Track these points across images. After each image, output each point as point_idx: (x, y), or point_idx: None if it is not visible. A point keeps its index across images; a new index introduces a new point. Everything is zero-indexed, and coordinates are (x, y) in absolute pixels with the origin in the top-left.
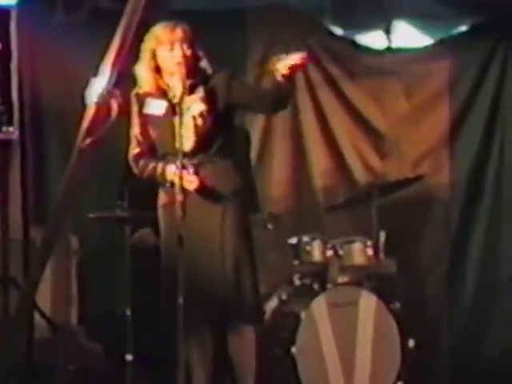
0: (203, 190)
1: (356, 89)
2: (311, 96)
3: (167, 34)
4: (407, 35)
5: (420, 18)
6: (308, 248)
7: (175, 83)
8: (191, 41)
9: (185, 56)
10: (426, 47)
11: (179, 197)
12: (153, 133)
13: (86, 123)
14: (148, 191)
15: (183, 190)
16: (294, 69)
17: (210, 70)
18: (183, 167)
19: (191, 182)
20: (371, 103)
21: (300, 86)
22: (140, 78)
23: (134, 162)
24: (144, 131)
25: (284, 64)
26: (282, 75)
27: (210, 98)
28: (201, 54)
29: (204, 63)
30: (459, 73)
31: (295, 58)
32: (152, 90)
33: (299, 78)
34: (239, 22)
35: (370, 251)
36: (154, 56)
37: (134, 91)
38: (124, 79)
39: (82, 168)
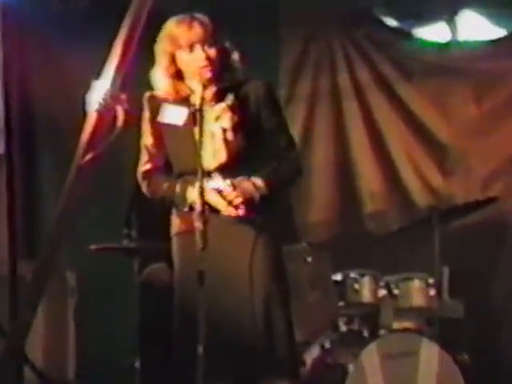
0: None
1: (414, 92)
2: (359, 101)
3: (184, 33)
4: (476, 27)
5: (491, 5)
6: (356, 286)
7: (197, 87)
8: (214, 36)
9: (208, 58)
10: (499, 41)
11: (198, 223)
12: (169, 145)
13: (86, 135)
14: (161, 217)
15: (204, 213)
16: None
17: (241, 69)
18: (217, 186)
19: (235, 203)
20: (432, 109)
21: (346, 88)
22: (158, 85)
23: (144, 179)
24: (158, 143)
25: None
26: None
27: (242, 108)
28: (229, 46)
29: (235, 58)
30: None
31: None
32: (170, 94)
33: (345, 79)
34: (272, 13)
35: (431, 290)
36: (172, 60)
37: (147, 94)
38: (132, 81)
39: (82, 189)
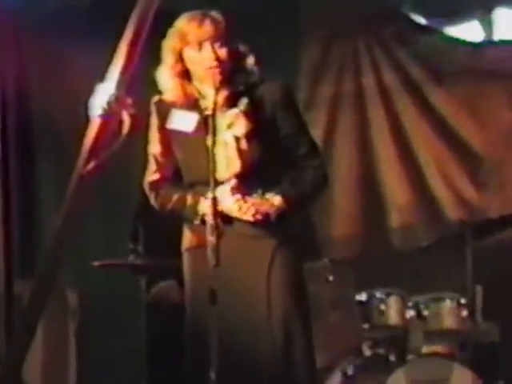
0: (245, 230)
1: (445, 96)
2: (385, 105)
3: (193, 30)
4: None
5: None
6: (382, 307)
7: (209, 91)
8: (226, 36)
9: (218, 58)
10: None
11: (211, 238)
12: (178, 154)
13: (88, 142)
14: (170, 231)
15: (218, 226)
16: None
17: (256, 73)
18: (226, 193)
19: (247, 210)
20: (465, 115)
21: (371, 92)
22: (163, 85)
23: (151, 190)
24: (166, 151)
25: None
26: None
27: (256, 113)
28: (244, 49)
29: (250, 62)
30: None
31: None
32: (179, 98)
33: (370, 82)
34: (291, 11)
35: (463, 312)
36: (179, 58)
37: (155, 98)
38: (139, 84)
39: (84, 200)
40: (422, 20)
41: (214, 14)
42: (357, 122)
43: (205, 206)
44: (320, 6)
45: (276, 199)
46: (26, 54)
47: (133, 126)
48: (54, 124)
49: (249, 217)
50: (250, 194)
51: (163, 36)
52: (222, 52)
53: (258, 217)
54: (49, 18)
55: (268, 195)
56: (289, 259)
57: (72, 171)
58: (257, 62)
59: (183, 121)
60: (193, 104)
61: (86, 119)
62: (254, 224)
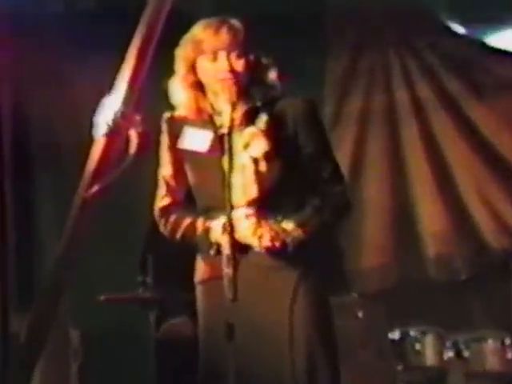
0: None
1: (485, 112)
2: (420, 122)
3: (209, 38)
4: None
5: None
6: (417, 346)
7: (224, 107)
8: (244, 46)
9: (233, 69)
10: None
11: (227, 269)
12: (191, 176)
13: (92, 162)
14: (182, 261)
15: (234, 257)
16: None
17: (278, 88)
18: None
19: (262, 236)
20: (508, 133)
21: (404, 107)
22: (175, 98)
23: (161, 216)
24: (178, 173)
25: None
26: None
27: (276, 132)
28: (265, 62)
29: (271, 76)
30: None
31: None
32: (192, 113)
33: (403, 96)
34: (316, 18)
35: (508, 352)
36: (192, 68)
37: (166, 115)
38: (148, 99)
39: (87, 226)
40: (459, 28)
41: (234, 21)
42: (388, 141)
43: (217, 234)
44: (348, 13)
45: (293, 227)
46: (23, 64)
47: (141, 146)
48: (54, 141)
49: (265, 244)
50: (267, 221)
51: (177, 44)
52: (239, 63)
53: (276, 245)
54: (49, 24)
55: (285, 223)
56: (313, 292)
57: (74, 194)
58: (279, 76)
59: (196, 140)
60: (207, 121)
61: (90, 137)
62: (274, 254)
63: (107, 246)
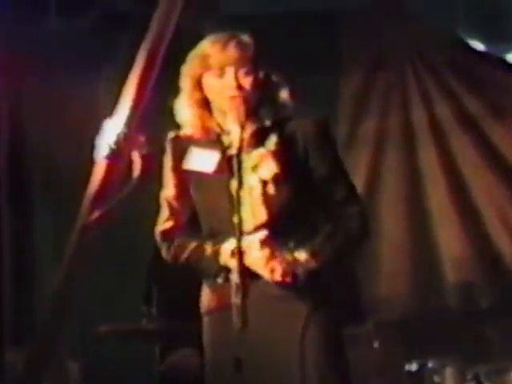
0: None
1: (506, 133)
2: (438, 143)
3: (216, 53)
4: None
5: None
6: (436, 378)
7: (232, 126)
8: (253, 62)
9: (240, 87)
10: None
11: (236, 298)
12: (197, 199)
13: (93, 187)
14: (188, 290)
15: (243, 285)
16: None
17: (289, 107)
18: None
19: (274, 270)
20: None
21: (422, 128)
22: (180, 116)
23: (163, 240)
24: (182, 195)
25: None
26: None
27: (287, 153)
28: (276, 80)
29: (282, 96)
30: None
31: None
32: (198, 133)
33: (420, 116)
34: (330, 34)
35: None
36: (198, 84)
37: (170, 135)
38: (152, 119)
39: (87, 254)
40: (479, 46)
41: (243, 37)
42: (404, 164)
43: (226, 258)
44: (363, 28)
45: (306, 258)
46: (20, 83)
47: (145, 169)
48: (52, 164)
49: (276, 278)
50: (279, 249)
51: (183, 61)
52: (247, 80)
53: (287, 279)
54: (47, 41)
55: (297, 253)
56: (325, 322)
57: (74, 219)
58: (291, 95)
59: (203, 160)
60: (214, 140)
61: (91, 160)
62: (284, 284)
63: (108, 274)
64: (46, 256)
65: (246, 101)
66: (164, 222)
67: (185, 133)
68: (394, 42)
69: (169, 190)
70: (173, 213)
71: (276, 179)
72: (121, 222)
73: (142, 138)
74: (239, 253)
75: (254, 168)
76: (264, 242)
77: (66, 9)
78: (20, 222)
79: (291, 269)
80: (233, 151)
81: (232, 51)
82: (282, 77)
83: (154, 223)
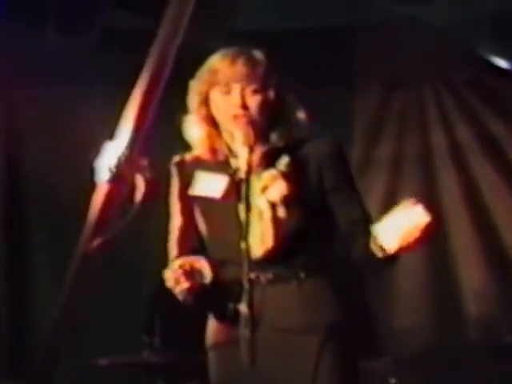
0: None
1: None
2: (459, 168)
3: (224, 68)
4: None
5: None
6: None
7: (240, 148)
8: (264, 80)
9: (245, 105)
10: None
11: (244, 331)
12: (203, 225)
13: (94, 213)
14: (193, 321)
15: (253, 317)
16: (407, 248)
17: (303, 128)
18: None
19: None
20: None
21: (441, 151)
22: (188, 136)
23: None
24: (189, 223)
25: (392, 242)
26: (386, 257)
27: (298, 175)
28: (289, 99)
29: (295, 116)
30: None
31: (410, 232)
32: (205, 154)
33: (439, 139)
34: (344, 54)
35: None
36: (205, 100)
37: (176, 158)
38: (156, 141)
39: (87, 283)
40: (502, 63)
41: (255, 52)
42: (423, 189)
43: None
44: (378, 46)
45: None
46: (17, 103)
47: (148, 193)
48: (51, 189)
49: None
50: (288, 278)
51: (192, 78)
52: (254, 99)
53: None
54: (46, 58)
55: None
56: (339, 356)
57: (73, 247)
58: (305, 115)
59: (210, 185)
60: (222, 163)
61: (91, 184)
62: (298, 316)
63: (110, 304)
64: (45, 286)
65: (251, 121)
66: (171, 251)
67: (191, 155)
68: (411, 61)
69: (176, 218)
70: (180, 243)
71: (286, 201)
72: (122, 248)
73: (144, 161)
74: (248, 281)
75: (264, 189)
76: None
77: (65, 25)
78: (16, 250)
79: None
80: (241, 175)
81: (240, 67)
82: (295, 96)
83: (156, 249)
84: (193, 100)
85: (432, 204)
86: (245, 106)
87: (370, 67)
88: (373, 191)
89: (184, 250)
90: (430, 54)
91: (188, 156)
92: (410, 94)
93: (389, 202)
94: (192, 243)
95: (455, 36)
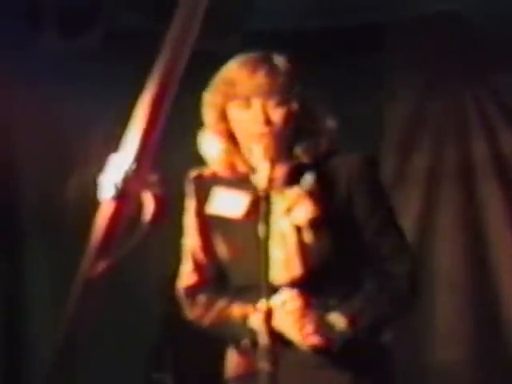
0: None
1: None
2: (504, 183)
3: (243, 79)
4: None
5: None
6: None
7: (261, 164)
8: (288, 91)
9: (268, 121)
10: None
11: (264, 363)
12: (222, 248)
13: (98, 233)
14: (209, 354)
15: (273, 348)
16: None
17: (330, 142)
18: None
19: (308, 336)
20: None
21: (484, 164)
22: (204, 152)
23: (186, 297)
24: (207, 244)
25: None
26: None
27: (326, 194)
28: (315, 108)
29: (324, 128)
30: None
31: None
32: (224, 171)
33: (482, 150)
34: (372, 59)
35: None
36: (222, 114)
37: (192, 174)
38: (167, 153)
39: (90, 313)
40: None
41: (277, 59)
42: (463, 205)
43: (256, 321)
44: (411, 46)
45: (341, 322)
46: (15, 110)
47: (158, 212)
48: (50, 206)
49: (307, 340)
50: (315, 309)
51: (206, 85)
52: (277, 113)
53: (321, 342)
54: (47, 64)
55: (332, 315)
56: None
57: (75, 272)
58: (333, 127)
59: (229, 203)
60: (242, 180)
61: (95, 202)
62: (317, 348)
63: (114, 336)
64: (42, 316)
65: (276, 136)
66: (187, 277)
67: (208, 171)
68: (449, 63)
69: (192, 239)
70: (198, 265)
71: (312, 225)
72: (130, 272)
73: (153, 177)
74: (268, 312)
75: (288, 211)
76: (294, 301)
77: (67, 27)
78: (11, 274)
79: (325, 332)
80: (261, 193)
81: (261, 79)
82: (322, 105)
83: (168, 273)
84: (208, 114)
85: (473, 223)
86: (268, 122)
87: (402, 70)
88: (407, 208)
89: (203, 276)
90: (471, 54)
91: (205, 171)
92: (448, 98)
93: (425, 220)
94: (211, 266)
95: (500, 32)
